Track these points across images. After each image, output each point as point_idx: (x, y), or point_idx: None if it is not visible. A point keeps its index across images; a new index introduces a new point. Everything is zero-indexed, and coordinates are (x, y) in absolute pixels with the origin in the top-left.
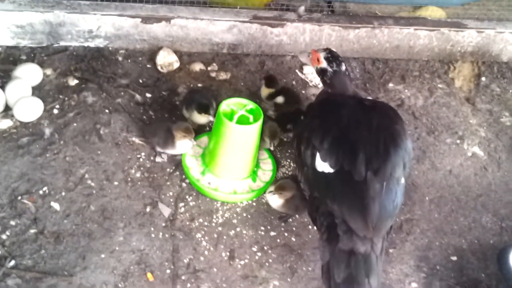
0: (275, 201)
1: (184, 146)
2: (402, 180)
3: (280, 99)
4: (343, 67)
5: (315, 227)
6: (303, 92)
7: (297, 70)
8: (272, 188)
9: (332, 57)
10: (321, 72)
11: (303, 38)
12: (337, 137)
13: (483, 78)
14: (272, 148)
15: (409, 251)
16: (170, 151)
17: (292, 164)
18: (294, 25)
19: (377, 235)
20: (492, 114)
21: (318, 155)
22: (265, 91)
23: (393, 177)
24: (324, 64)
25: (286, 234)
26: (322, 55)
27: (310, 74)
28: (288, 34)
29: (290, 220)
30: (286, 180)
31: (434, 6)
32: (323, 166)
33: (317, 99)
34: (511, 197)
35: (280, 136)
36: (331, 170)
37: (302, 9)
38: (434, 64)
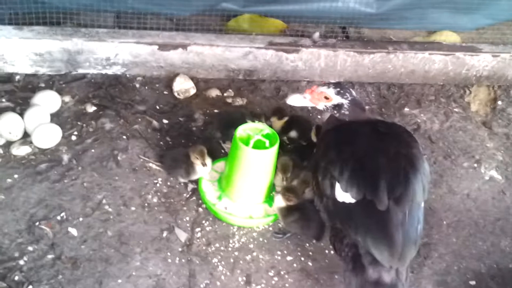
0: (278, 201)
1: (204, 167)
2: (422, 204)
3: (293, 134)
4: (354, 92)
5: (335, 253)
6: (319, 117)
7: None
8: (280, 188)
9: (341, 89)
10: (336, 108)
11: (318, 64)
12: (356, 166)
13: (499, 102)
14: (285, 183)
15: (427, 276)
16: (193, 177)
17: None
18: (309, 51)
19: (403, 265)
20: (509, 138)
21: (338, 186)
22: (277, 124)
23: (414, 202)
24: (337, 99)
25: (302, 259)
26: (331, 92)
27: None
28: (303, 59)
29: (307, 245)
30: (295, 186)
31: (448, 31)
32: (344, 196)
33: (328, 125)
34: None
35: (291, 171)
36: (352, 201)
37: (317, 35)
38: (449, 88)
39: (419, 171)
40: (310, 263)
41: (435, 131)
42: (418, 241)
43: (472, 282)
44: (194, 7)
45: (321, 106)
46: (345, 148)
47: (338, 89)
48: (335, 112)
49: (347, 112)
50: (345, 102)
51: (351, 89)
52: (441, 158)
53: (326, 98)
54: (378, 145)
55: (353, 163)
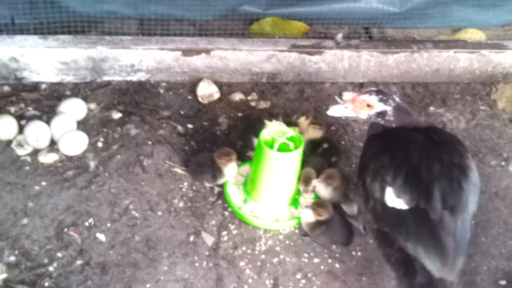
0: (307, 216)
1: (231, 170)
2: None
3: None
4: (397, 98)
5: (383, 259)
6: (343, 118)
7: (336, 97)
8: (309, 203)
9: (384, 95)
10: (380, 115)
11: (341, 65)
12: (410, 173)
13: None
14: (305, 195)
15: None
16: (219, 181)
17: None
18: (332, 52)
19: (452, 276)
20: None
21: (390, 190)
22: (305, 124)
23: (467, 213)
24: (380, 106)
25: (329, 261)
26: (374, 99)
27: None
28: (327, 61)
29: (334, 247)
30: (325, 200)
31: (473, 28)
32: (395, 202)
33: (375, 130)
34: None
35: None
36: (405, 207)
37: (339, 36)
38: (475, 86)
39: (472, 182)
40: (337, 265)
41: (461, 129)
42: (468, 250)
43: (503, 282)
44: (217, 11)
45: (363, 115)
46: (398, 153)
47: (381, 96)
48: (379, 119)
49: (392, 119)
50: (388, 108)
51: (394, 95)
52: None
53: (369, 106)
54: (431, 153)
55: (407, 169)
